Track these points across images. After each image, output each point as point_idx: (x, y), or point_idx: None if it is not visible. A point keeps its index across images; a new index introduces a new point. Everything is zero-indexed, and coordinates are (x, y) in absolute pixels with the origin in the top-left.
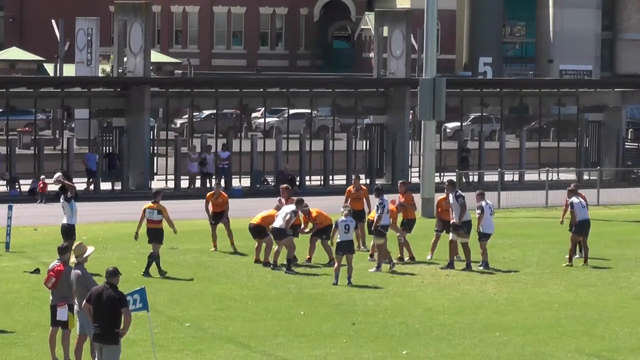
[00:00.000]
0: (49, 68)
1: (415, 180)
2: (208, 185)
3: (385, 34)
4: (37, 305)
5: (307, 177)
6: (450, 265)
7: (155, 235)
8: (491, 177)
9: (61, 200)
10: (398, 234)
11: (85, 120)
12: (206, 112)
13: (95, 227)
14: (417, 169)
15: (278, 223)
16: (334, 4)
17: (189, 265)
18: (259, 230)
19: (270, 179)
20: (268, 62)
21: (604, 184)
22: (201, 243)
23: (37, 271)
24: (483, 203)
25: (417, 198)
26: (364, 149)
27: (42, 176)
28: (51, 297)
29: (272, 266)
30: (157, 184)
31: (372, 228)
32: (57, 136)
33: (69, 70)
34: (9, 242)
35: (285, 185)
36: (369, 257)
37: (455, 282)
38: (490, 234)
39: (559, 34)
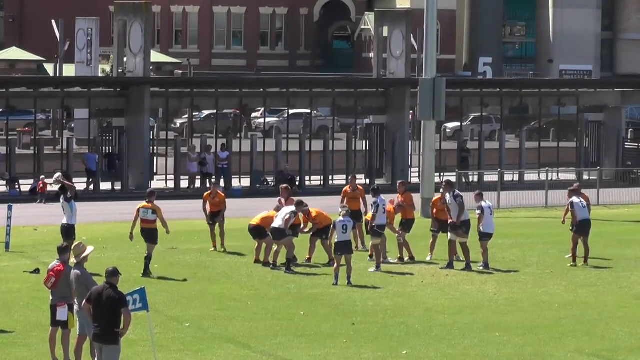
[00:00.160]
0: (49, 68)
1: (415, 180)
2: (208, 185)
3: (385, 34)
4: (37, 305)
5: (307, 177)
6: (450, 266)
7: (150, 235)
8: (491, 177)
9: (61, 201)
10: (397, 234)
11: (85, 120)
12: (206, 112)
13: (95, 227)
14: (417, 169)
15: (277, 223)
16: (334, 4)
17: (188, 265)
18: (258, 231)
19: (270, 179)
20: (268, 62)
21: (603, 184)
22: (201, 243)
23: (37, 271)
24: (483, 203)
25: (416, 198)
26: (364, 149)
27: (42, 176)
28: (51, 297)
29: (271, 266)
30: (157, 184)
31: (368, 228)
32: (57, 136)
33: (69, 70)
34: (8, 242)
35: (285, 185)
36: (368, 258)
37: (455, 282)
38: (492, 233)
39: (559, 34)
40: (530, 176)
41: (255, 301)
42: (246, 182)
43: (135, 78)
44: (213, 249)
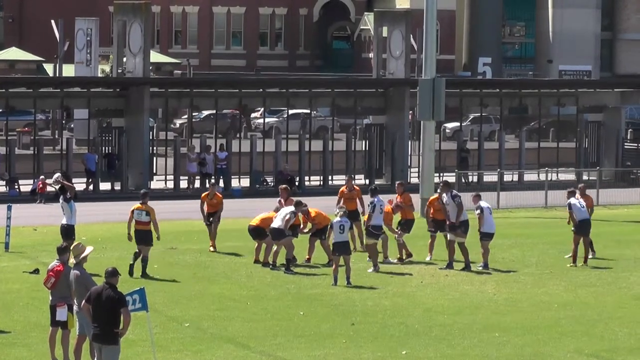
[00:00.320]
0: (49, 68)
1: (414, 180)
2: (207, 185)
3: (385, 34)
4: (36, 306)
5: (307, 178)
6: (450, 266)
7: (144, 237)
8: (490, 177)
9: (60, 201)
10: (396, 235)
11: (84, 121)
12: (205, 113)
13: (95, 227)
14: (417, 169)
15: (277, 223)
16: (334, 4)
17: (188, 266)
18: (258, 232)
19: (269, 179)
20: (267, 62)
21: (603, 184)
22: (200, 243)
23: (36, 271)
24: (481, 203)
25: (416, 198)
26: (364, 149)
27: (42, 176)
28: (50, 298)
29: (271, 266)
30: (156, 184)
31: (365, 228)
32: (57, 136)
33: (69, 70)
34: (8, 242)
35: (284, 185)
36: (368, 258)
37: (454, 282)
38: (492, 233)
39: (559, 34)
40: (530, 176)
41: (255, 301)
42: (246, 182)
43: (134, 78)
44: (212, 249)
